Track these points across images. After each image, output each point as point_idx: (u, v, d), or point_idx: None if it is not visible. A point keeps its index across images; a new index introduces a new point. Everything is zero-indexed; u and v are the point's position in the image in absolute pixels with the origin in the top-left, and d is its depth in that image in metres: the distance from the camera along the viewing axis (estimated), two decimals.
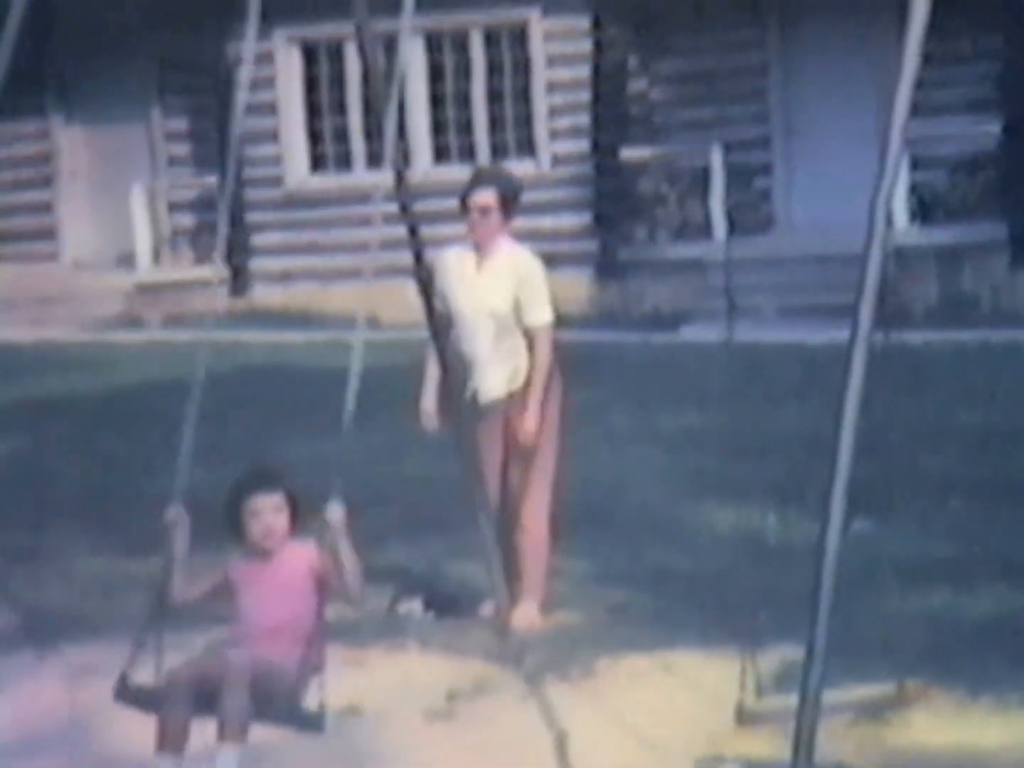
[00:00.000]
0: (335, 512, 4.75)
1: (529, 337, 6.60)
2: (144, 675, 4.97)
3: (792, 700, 4.52)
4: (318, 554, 4.88)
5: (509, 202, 6.67)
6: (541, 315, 6.61)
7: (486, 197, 6.62)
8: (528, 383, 6.59)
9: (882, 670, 5.63)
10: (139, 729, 5.65)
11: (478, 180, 6.81)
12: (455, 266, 6.73)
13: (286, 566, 5.01)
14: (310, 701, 4.82)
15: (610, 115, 17.01)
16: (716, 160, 16.48)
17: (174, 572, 5.17)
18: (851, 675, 5.43)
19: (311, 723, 4.82)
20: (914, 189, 15.61)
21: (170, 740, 4.94)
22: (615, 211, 16.89)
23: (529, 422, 6.54)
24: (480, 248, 6.67)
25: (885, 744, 5.33)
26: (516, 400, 6.61)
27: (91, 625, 6.86)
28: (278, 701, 4.83)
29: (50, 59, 16.59)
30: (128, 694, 4.99)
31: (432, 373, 6.71)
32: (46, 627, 6.85)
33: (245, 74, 17.60)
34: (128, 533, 8.33)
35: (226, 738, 4.82)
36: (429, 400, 6.73)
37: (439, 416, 6.71)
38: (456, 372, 6.59)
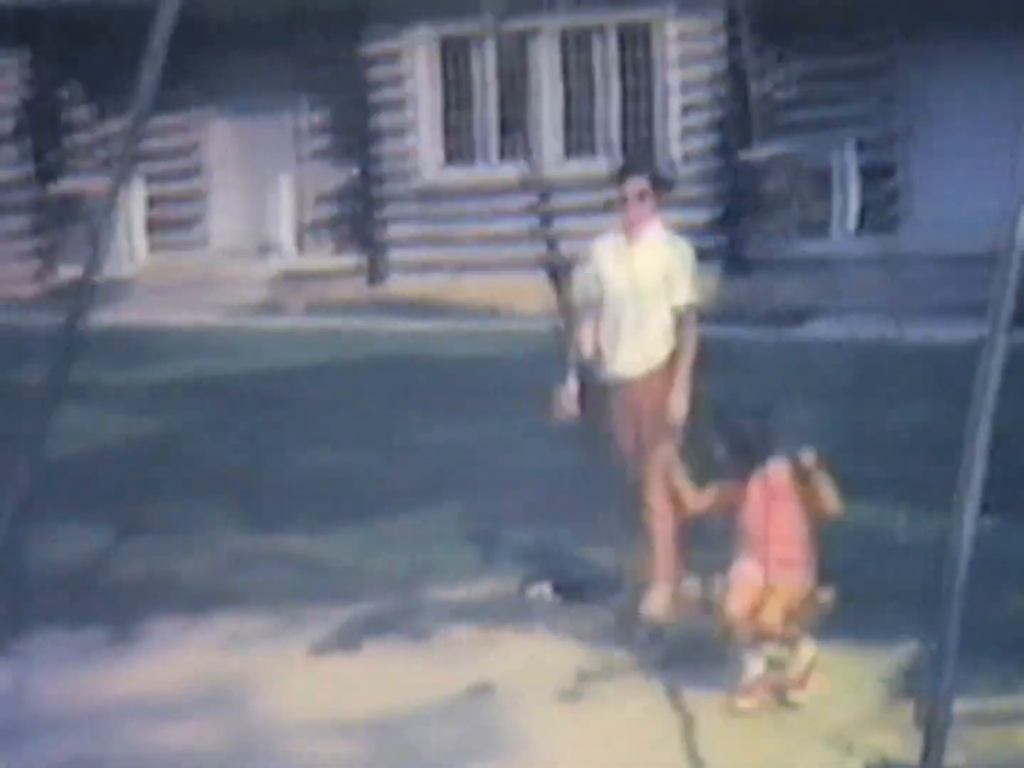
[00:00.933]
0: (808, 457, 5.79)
1: (675, 318, 6.77)
2: None
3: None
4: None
5: (660, 190, 6.87)
6: (687, 296, 6.79)
7: (640, 184, 6.82)
8: (672, 363, 6.73)
9: (1010, 669, 5.66)
10: (283, 697, 5.98)
11: (632, 167, 7.05)
12: (606, 253, 6.93)
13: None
14: None
15: (738, 113, 17.07)
16: (842, 159, 16.49)
17: None
18: (979, 675, 5.44)
19: None
20: None
21: None
22: (742, 208, 16.95)
23: (676, 401, 6.67)
24: (631, 233, 6.85)
25: (1014, 746, 5.32)
26: (655, 379, 6.75)
27: (234, 596, 7.14)
28: None
29: (200, 56, 17.02)
30: None
31: (574, 361, 6.89)
32: (194, 596, 7.14)
33: (383, 70, 18.05)
34: (268, 511, 8.68)
35: None
36: (572, 386, 6.88)
37: (579, 403, 6.90)
38: (597, 357, 6.82)
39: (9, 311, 15.76)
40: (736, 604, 5.81)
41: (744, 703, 5.84)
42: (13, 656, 5.69)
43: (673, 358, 6.75)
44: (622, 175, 6.93)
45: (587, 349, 6.84)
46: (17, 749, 5.57)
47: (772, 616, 5.78)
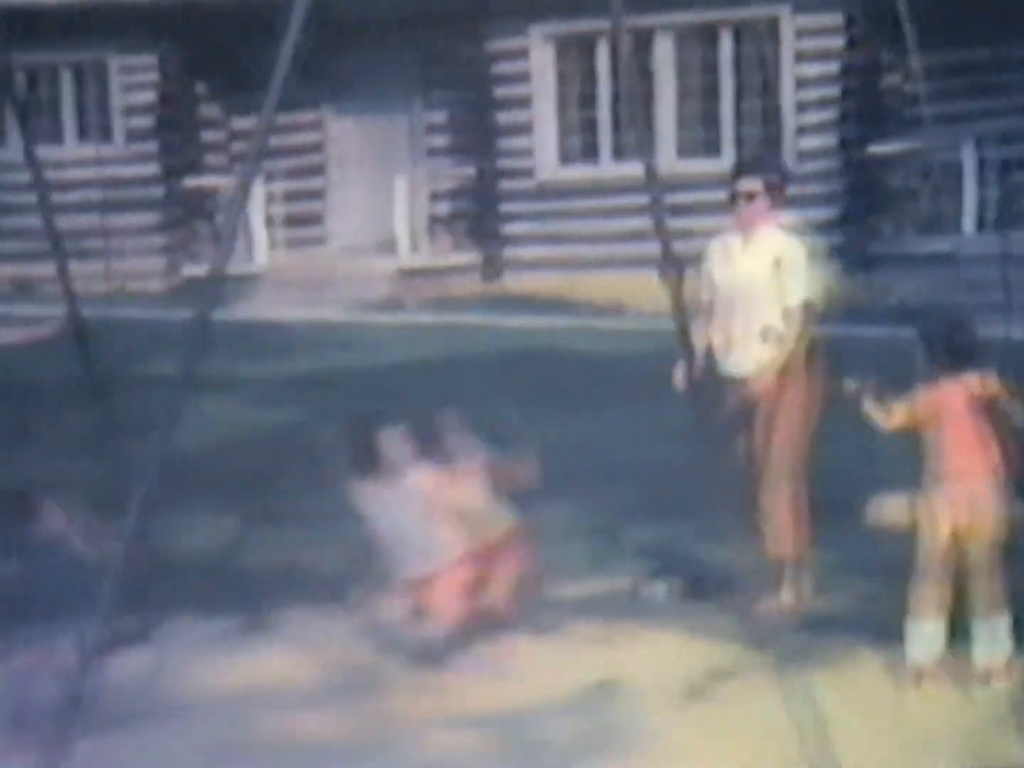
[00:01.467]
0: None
1: (788, 317, 6.80)
2: None
3: None
4: None
5: (776, 190, 6.93)
6: (797, 294, 6.80)
7: (752, 184, 6.90)
8: (786, 363, 6.78)
9: None
10: (413, 689, 6.05)
11: (745, 168, 7.16)
12: (719, 252, 7.04)
13: None
14: None
15: (859, 110, 16.92)
16: (970, 154, 16.27)
17: None
18: None
19: None
20: None
21: None
22: (862, 206, 16.81)
23: (763, 392, 6.75)
24: (745, 232, 6.93)
25: None
26: (767, 378, 6.81)
27: (361, 587, 7.22)
28: None
29: (324, 54, 17.24)
30: None
31: (689, 356, 6.90)
32: (325, 585, 7.25)
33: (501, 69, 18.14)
34: None
35: None
36: (682, 375, 6.85)
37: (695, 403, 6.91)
38: (711, 354, 6.88)
39: (139, 306, 16.06)
40: (941, 528, 5.74)
41: (924, 683, 5.84)
42: (152, 644, 5.83)
43: (787, 358, 6.76)
44: (735, 175, 7.02)
45: (701, 347, 6.88)
46: (158, 735, 5.70)
47: (978, 539, 5.72)
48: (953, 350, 5.96)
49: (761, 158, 7.20)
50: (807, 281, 6.84)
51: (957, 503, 5.87)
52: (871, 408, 6.10)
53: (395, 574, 6.22)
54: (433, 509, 6.22)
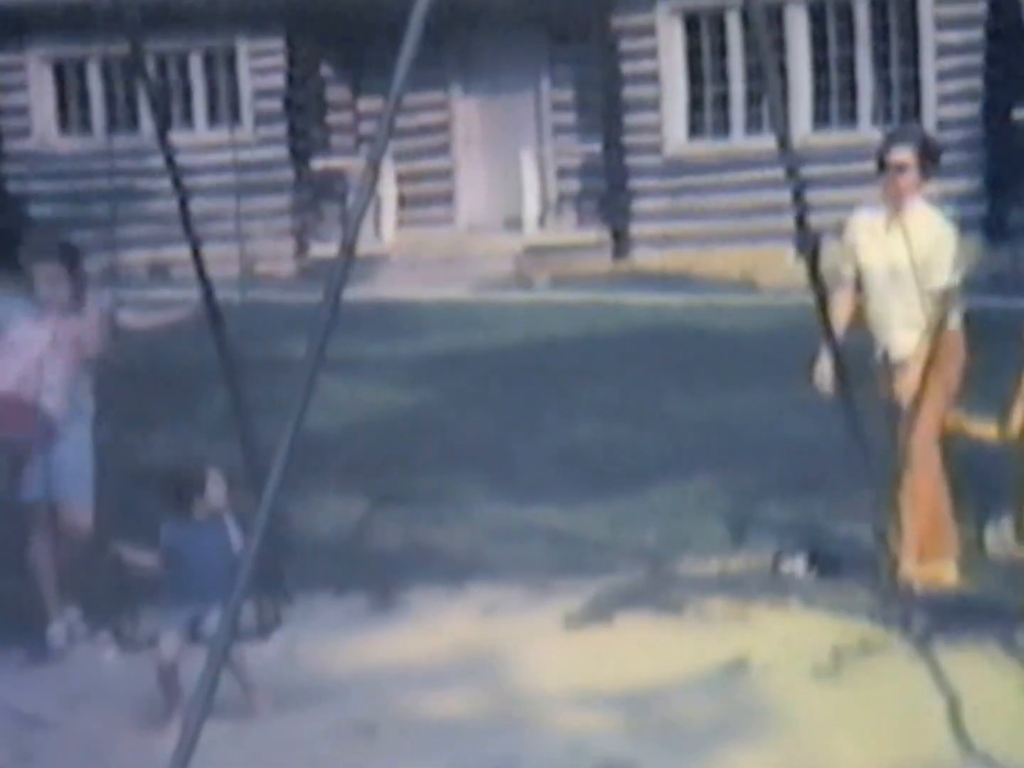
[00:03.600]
0: None
1: (933, 300, 6.60)
2: None
3: None
4: None
5: (927, 161, 6.69)
6: (941, 278, 6.61)
7: (903, 155, 6.67)
8: (929, 346, 6.53)
9: None
10: (544, 667, 6.03)
11: (896, 138, 6.87)
12: (866, 226, 6.81)
13: None
14: None
15: (1003, 77, 16.52)
16: None
17: None
18: None
19: None
20: None
21: None
22: (1006, 174, 16.42)
23: (908, 379, 6.54)
24: (893, 206, 6.70)
25: None
26: (911, 360, 6.62)
27: (490, 567, 7.24)
28: None
29: (450, 34, 17.25)
30: None
31: (827, 337, 6.79)
32: (451, 566, 7.27)
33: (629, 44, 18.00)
34: (521, 483, 8.76)
35: None
36: (825, 363, 6.71)
37: (835, 380, 6.78)
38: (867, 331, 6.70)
39: (268, 289, 16.23)
40: None
41: None
42: (284, 623, 5.88)
43: (930, 342, 6.52)
44: (886, 145, 6.77)
45: (841, 324, 6.65)
46: (292, 713, 5.74)
47: None
48: None
49: (913, 128, 6.94)
50: (955, 263, 6.63)
51: None
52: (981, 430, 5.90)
53: None
54: None
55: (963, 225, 6.96)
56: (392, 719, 5.63)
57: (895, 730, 5.37)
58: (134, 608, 5.98)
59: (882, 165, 6.73)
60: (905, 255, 6.58)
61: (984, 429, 6.01)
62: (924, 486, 6.69)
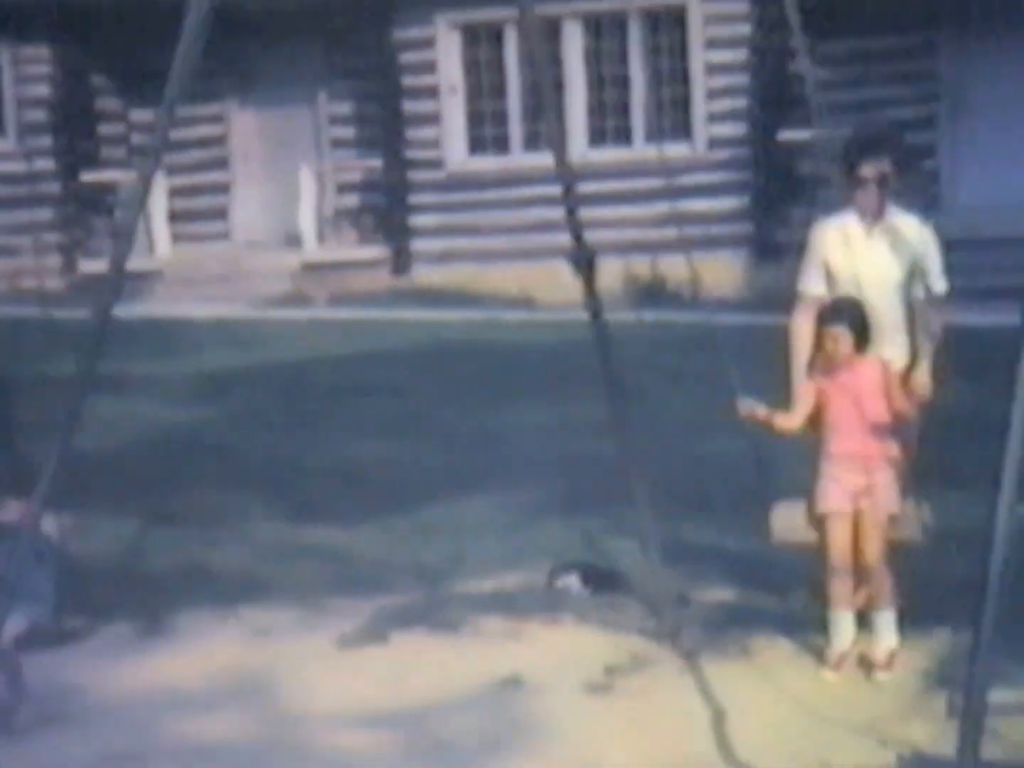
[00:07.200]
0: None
1: (930, 305, 6.29)
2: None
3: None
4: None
5: (902, 168, 6.28)
6: (941, 283, 6.31)
7: (882, 166, 6.24)
8: (912, 358, 6.25)
9: None
10: (317, 688, 5.97)
11: (876, 148, 6.36)
12: (839, 235, 6.34)
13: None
14: None
15: (769, 97, 16.99)
16: None
17: None
18: (1017, 664, 5.40)
19: None
20: None
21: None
22: (772, 193, 16.88)
23: (921, 382, 6.13)
24: (870, 216, 6.28)
25: None
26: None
27: (264, 588, 7.14)
28: None
29: (226, 45, 17.01)
30: None
31: (800, 356, 6.31)
32: (225, 588, 7.14)
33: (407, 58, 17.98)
34: (299, 502, 8.68)
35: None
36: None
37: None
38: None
39: (35, 304, 15.80)
40: (838, 532, 5.89)
41: (832, 675, 5.91)
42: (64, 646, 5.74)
43: (914, 353, 6.26)
44: (860, 156, 6.30)
45: (806, 344, 6.26)
46: (55, 740, 5.60)
47: (871, 544, 5.89)
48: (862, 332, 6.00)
49: (886, 137, 6.35)
50: (941, 267, 6.31)
51: (851, 489, 5.93)
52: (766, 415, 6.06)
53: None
54: None
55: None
56: (156, 745, 5.53)
57: (664, 742, 5.46)
58: None
59: (857, 178, 6.26)
60: (891, 264, 6.28)
61: (785, 420, 6.10)
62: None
